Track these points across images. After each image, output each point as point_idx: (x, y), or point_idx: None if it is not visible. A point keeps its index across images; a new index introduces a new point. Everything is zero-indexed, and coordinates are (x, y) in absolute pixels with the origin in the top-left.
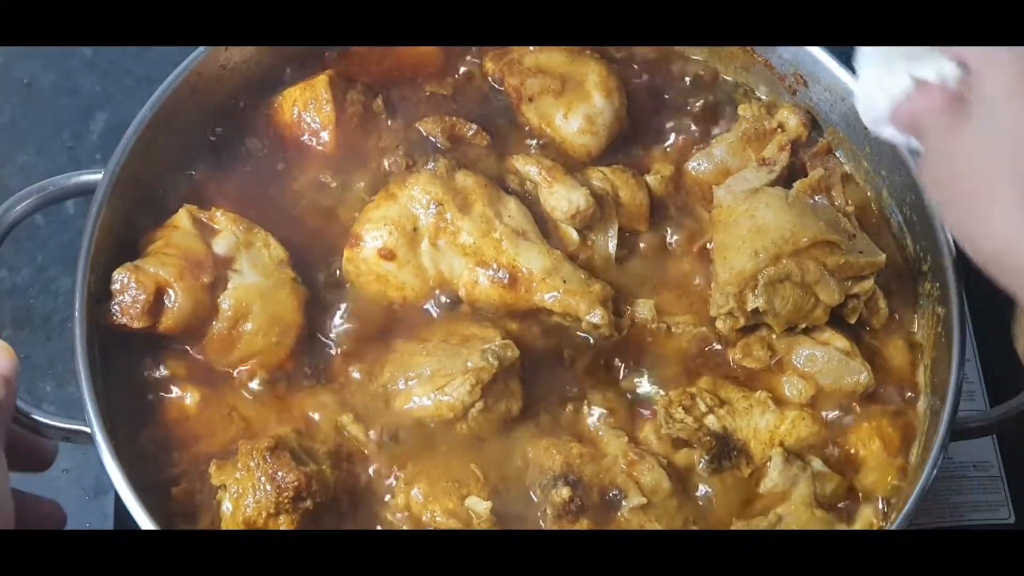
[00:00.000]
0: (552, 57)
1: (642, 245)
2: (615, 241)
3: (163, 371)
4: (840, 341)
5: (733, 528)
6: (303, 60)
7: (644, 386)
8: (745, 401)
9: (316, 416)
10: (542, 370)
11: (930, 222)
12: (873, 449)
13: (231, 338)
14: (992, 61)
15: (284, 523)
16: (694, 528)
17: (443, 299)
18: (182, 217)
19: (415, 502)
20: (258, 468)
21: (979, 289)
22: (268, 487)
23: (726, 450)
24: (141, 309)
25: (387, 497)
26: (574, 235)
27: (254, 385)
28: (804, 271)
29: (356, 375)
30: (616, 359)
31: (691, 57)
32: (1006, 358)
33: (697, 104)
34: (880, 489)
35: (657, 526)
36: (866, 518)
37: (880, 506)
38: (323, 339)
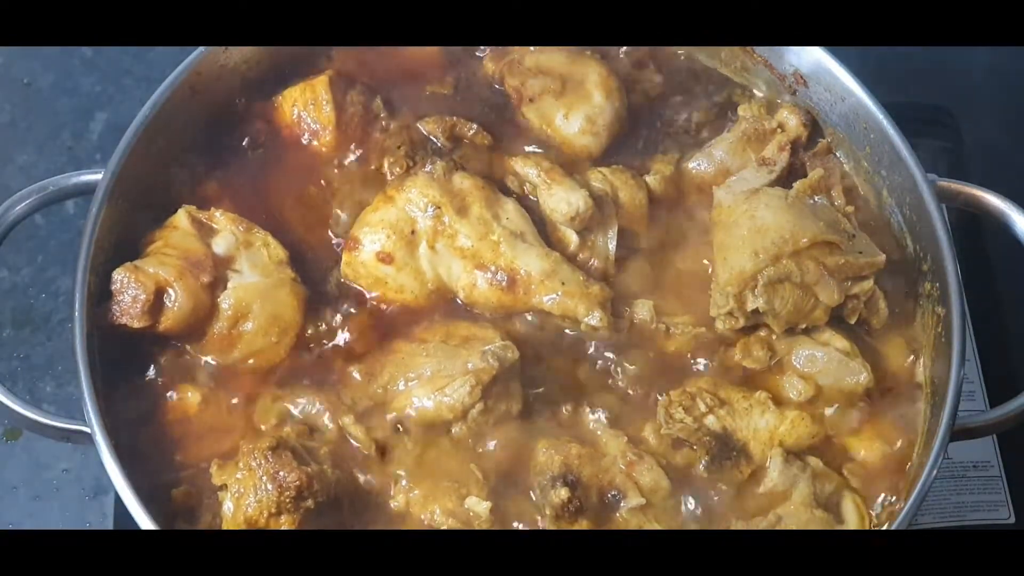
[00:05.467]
0: (552, 57)
1: (642, 246)
2: (615, 242)
3: (163, 371)
4: (840, 341)
5: (733, 528)
6: (303, 60)
7: (643, 386)
8: (745, 401)
9: (316, 416)
10: (542, 371)
11: (930, 222)
12: (873, 449)
13: (231, 338)
14: None
15: (285, 523)
16: (694, 528)
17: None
18: (181, 217)
19: (415, 502)
20: (259, 468)
21: (979, 289)
22: (269, 487)
23: (726, 450)
24: (141, 309)
25: (387, 497)
26: (573, 236)
27: (255, 385)
28: (804, 271)
29: (356, 375)
30: (615, 360)
31: (691, 57)
32: (1006, 358)
33: (697, 104)
34: (880, 489)
35: (656, 526)
36: (856, 516)
37: (881, 500)
38: (323, 339)
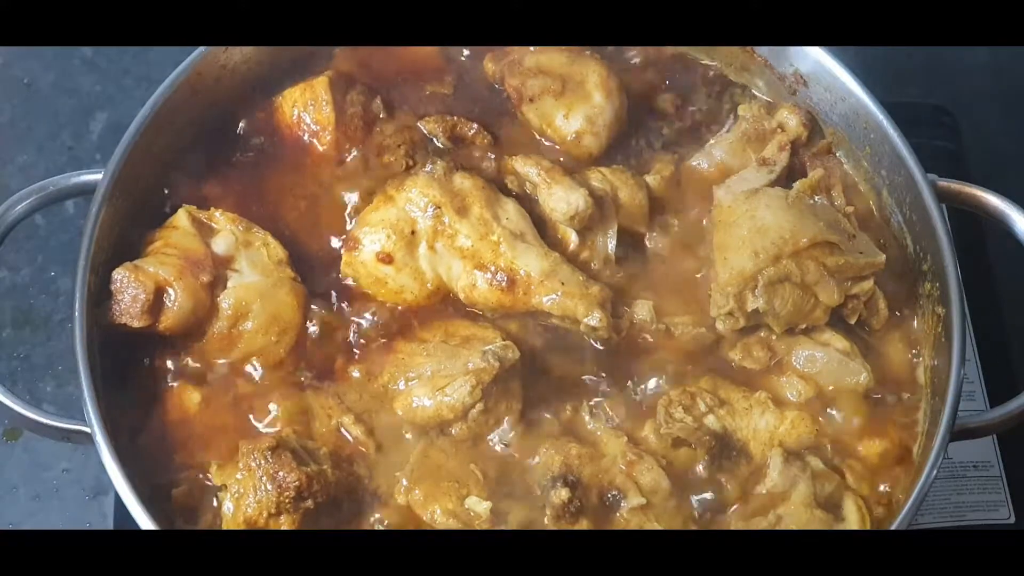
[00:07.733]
0: (552, 57)
1: (641, 245)
2: (615, 242)
3: (163, 371)
4: (840, 342)
5: (733, 528)
6: (303, 60)
7: (643, 386)
8: (745, 401)
9: (316, 416)
10: (541, 370)
11: (930, 222)
12: (873, 449)
13: (231, 337)
14: None
15: (285, 523)
16: (694, 528)
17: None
18: (181, 217)
19: (416, 502)
20: (259, 468)
21: (979, 289)
22: (269, 487)
23: (726, 450)
24: (141, 308)
25: (388, 497)
26: (573, 236)
27: (254, 385)
28: (804, 272)
29: (356, 375)
30: (615, 360)
31: (691, 57)
32: (1006, 358)
33: (697, 104)
34: (880, 489)
35: (656, 526)
36: (857, 516)
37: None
38: (323, 339)
